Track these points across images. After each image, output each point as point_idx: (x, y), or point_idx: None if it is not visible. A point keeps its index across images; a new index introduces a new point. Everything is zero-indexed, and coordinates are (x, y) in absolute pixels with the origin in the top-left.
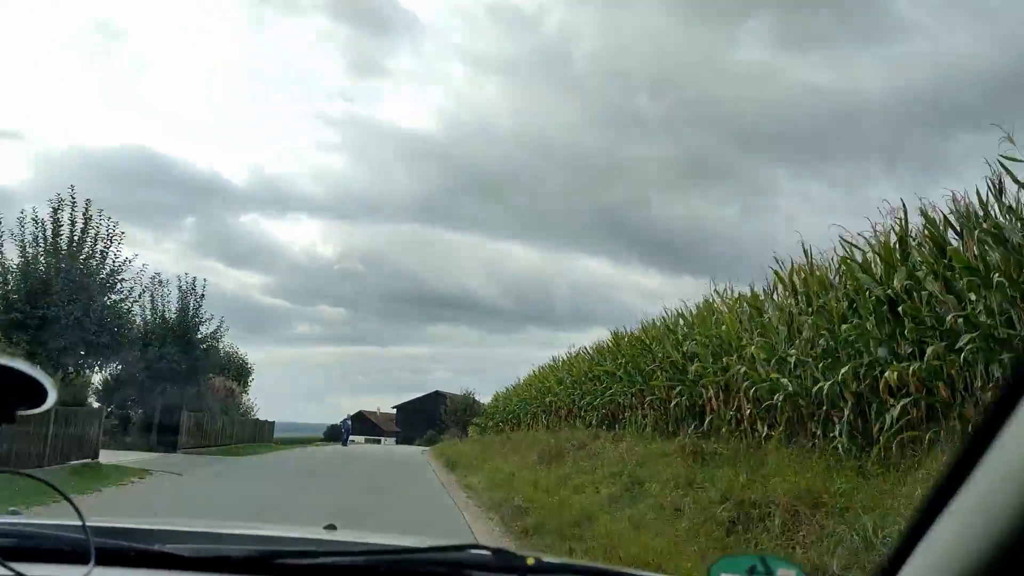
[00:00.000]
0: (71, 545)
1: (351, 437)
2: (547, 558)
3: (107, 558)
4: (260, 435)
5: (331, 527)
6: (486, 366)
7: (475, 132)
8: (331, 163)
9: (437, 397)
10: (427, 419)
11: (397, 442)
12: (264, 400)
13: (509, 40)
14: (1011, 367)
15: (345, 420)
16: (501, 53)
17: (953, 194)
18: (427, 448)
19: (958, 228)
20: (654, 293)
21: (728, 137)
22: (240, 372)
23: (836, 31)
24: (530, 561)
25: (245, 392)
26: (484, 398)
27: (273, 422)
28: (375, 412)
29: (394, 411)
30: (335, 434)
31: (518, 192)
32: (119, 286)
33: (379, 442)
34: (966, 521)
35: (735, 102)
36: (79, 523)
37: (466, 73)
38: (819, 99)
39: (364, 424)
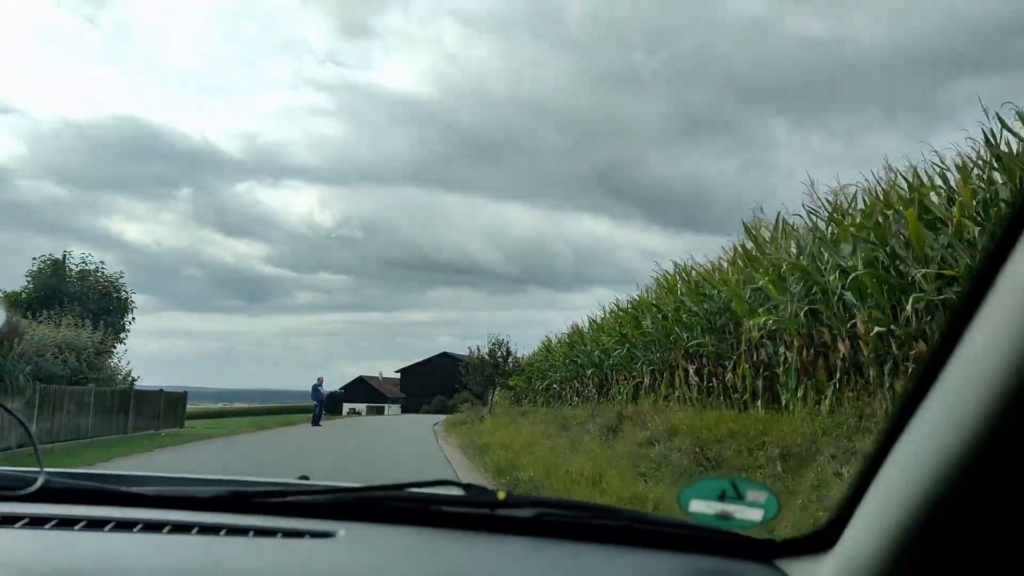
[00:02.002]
0: (24, 482)
1: (353, 407)
2: (518, 493)
3: (65, 496)
4: (143, 414)
5: (304, 478)
6: (490, 329)
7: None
8: (325, 129)
9: (444, 359)
10: (435, 383)
11: (403, 410)
12: (267, 368)
13: None
14: (958, 301)
15: (317, 386)
16: (493, 12)
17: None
18: (439, 419)
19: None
20: (655, 252)
21: (725, 91)
22: (109, 306)
23: None
24: (501, 495)
25: (113, 346)
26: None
27: (184, 392)
28: (378, 377)
29: (398, 376)
30: (333, 404)
31: (516, 153)
32: None
33: (382, 411)
34: (917, 458)
35: (731, 55)
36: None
37: (458, 33)
38: (816, 50)
39: (366, 391)
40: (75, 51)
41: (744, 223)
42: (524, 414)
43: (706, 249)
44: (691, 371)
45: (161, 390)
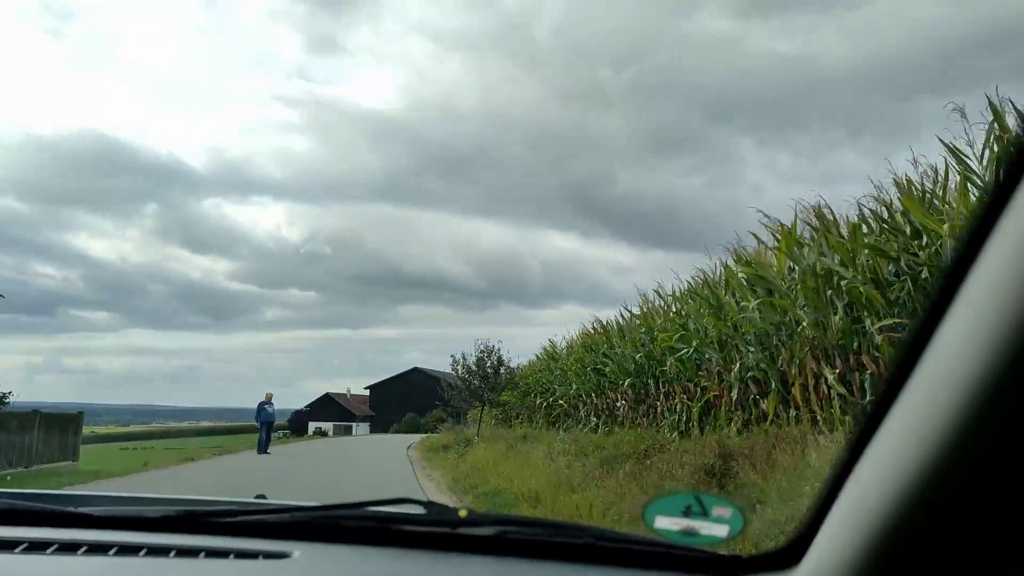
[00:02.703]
0: None
1: (319, 426)
2: (479, 511)
3: (4, 518)
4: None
5: (260, 496)
6: (461, 346)
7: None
8: (293, 144)
9: (415, 375)
10: (406, 400)
11: (372, 428)
12: (233, 385)
13: (470, 15)
14: (920, 315)
15: (264, 404)
16: (462, 29)
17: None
18: (413, 439)
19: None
20: (625, 268)
21: (693, 108)
22: None
23: None
24: (462, 513)
25: None
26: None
27: (79, 413)
28: (345, 395)
29: (367, 392)
30: (298, 423)
31: (485, 169)
32: None
33: (350, 430)
34: (883, 472)
35: (699, 72)
36: None
37: (427, 50)
38: (782, 68)
39: (333, 409)
40: (40, 65)
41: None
42: (525, 438)
43: (676, 266)
44: (830, 377)
45: (37, 411)
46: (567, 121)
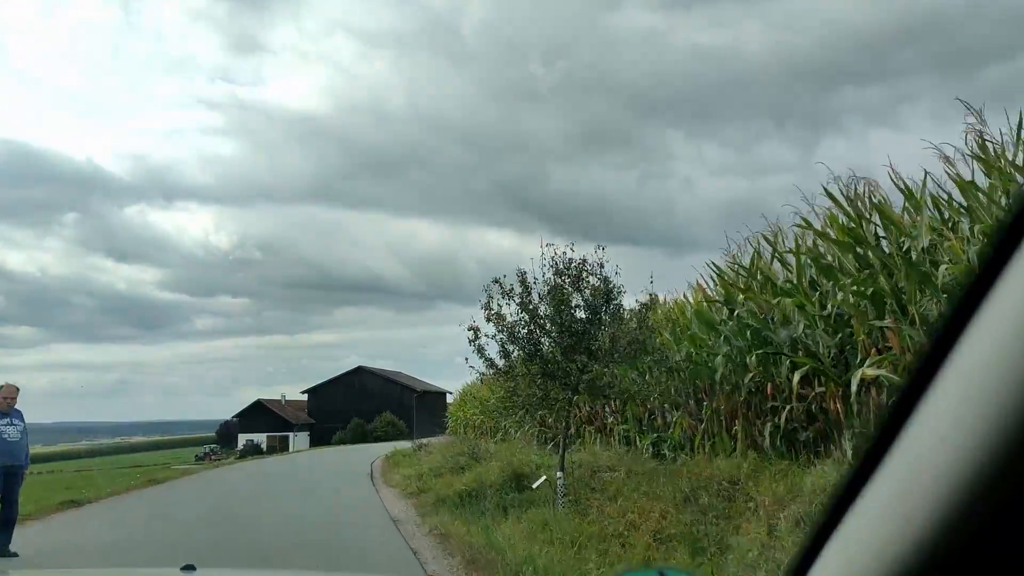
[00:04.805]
0: None
1: (251, 439)
2: None
3: None
4: None
5: (189, 568)
6: (399, 348)
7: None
8: (218, 148)
9: (360, 375)
10: (349, 404)
11: (312, 439)
12: (167, 398)
13: (394, 12)
14: (921, 353)
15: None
16: (388, 26)
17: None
18: (370, 455)
19: None
20: None
21: (622, 103)
22: None
23: None
24: None
25: None
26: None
27: None
28: (280, 400)
29: (305, 397)
30: (227, 436)
31: (418, 168)
32: None
33: (287, 443)
34: (879, 515)
35: (626, 67)
36: None
37: (353, 48)
38: (707, 60)
39: (266, 418)
40: None
41: None
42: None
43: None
44: None
45: None
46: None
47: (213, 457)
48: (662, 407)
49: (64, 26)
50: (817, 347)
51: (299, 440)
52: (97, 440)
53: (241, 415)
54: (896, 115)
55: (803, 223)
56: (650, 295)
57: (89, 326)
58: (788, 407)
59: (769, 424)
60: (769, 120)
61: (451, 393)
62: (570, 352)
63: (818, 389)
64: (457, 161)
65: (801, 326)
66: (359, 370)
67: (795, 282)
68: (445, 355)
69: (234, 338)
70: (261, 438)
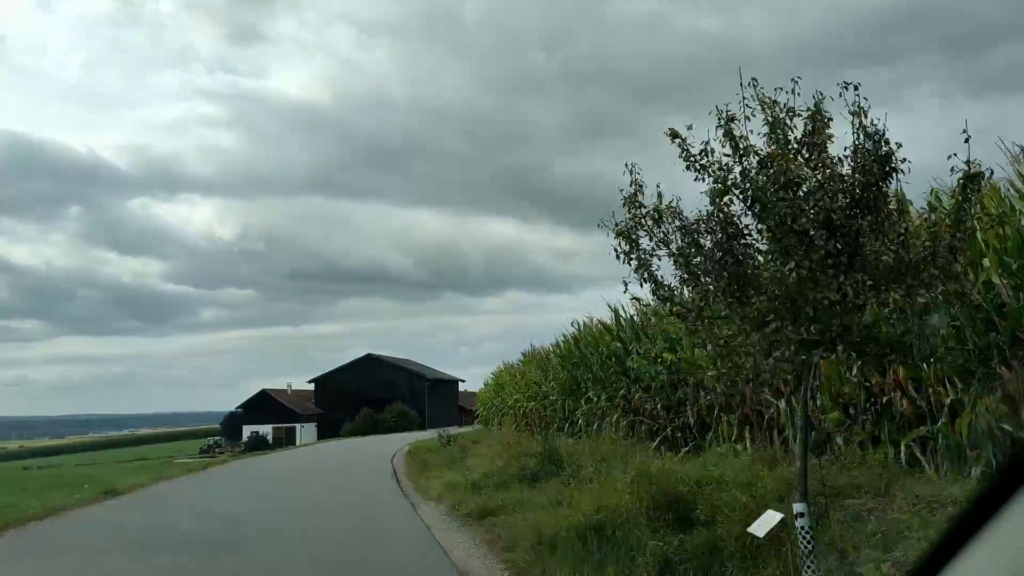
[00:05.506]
0: None
1: (256, 430)
2: None
3: None
4: None
5: None
6: (405, 338)
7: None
8: (219, 140)
9: (368, 364)
10: (358, 394)
11: (319, 431)
12: (174, 390)
13: (394, 2)
14: (1006, 456)
15: None
16: (387, 16)
17: None
18: (388, 450)
19: None
20: (567, 252)
21: (623, 90)
22: None
23: None
24: None
25: None
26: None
27: None
28: (286, 390)
29: (312, 387)
30: (232, 428)
31: (419, 158)
32: None
33: (293, 436)
34: None
35: (627, 54)
36: None
37: (353, 38)
38: (708, 45)
39: (271, 409)
40: None
41: None
42: None
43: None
44: None
45: None
46: (499, 107)
47: (217, 451)
48: (950, 376)
49: (63, 17)
50: None
51: (306, 431)
52: (104, 433)
53: (246, 406)
54: (901, 97)
55: None
56: (968, 164)
57: (95, 319)
58: None
59: None
60: None
61: (463, 381)
62: (823, 271)
63: None
64: (458, 150)
65: None
66: (368, 358)
67: None
68: (451, 344)
69: (239, 330)
70: (267, 430)
